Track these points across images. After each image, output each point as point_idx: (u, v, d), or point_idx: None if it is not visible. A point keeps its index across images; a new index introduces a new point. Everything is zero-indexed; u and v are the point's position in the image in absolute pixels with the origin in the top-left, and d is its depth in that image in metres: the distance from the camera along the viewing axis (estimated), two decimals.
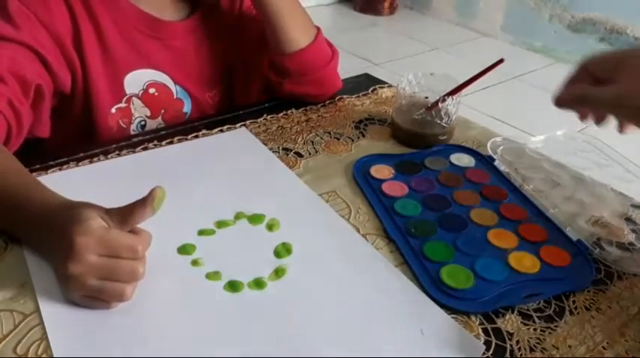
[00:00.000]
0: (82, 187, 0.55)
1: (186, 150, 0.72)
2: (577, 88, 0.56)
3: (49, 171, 0.65)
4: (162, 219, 0.48)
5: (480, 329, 0.49)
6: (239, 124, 0.78)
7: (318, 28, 0.83)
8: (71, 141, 0.74)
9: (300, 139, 0.76)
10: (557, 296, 0.53)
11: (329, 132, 0.78)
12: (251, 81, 0.88)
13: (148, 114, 0.80)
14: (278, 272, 0.53)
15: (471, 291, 0.52)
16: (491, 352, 0.47)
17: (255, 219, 0.60)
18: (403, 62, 2.83)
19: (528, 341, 0.48)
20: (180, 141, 0.74)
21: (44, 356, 0.44)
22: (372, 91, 0.91)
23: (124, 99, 0.77)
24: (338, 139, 0.77)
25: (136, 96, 0.78)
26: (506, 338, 0.48)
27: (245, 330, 0.47)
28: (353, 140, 0.77)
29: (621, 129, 0.55)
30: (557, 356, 0.47)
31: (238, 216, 0.60)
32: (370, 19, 3.48)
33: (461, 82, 0.73)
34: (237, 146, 0.74)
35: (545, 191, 0.67)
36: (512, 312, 0.51)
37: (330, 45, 0.85)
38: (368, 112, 0.84)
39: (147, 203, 0.47)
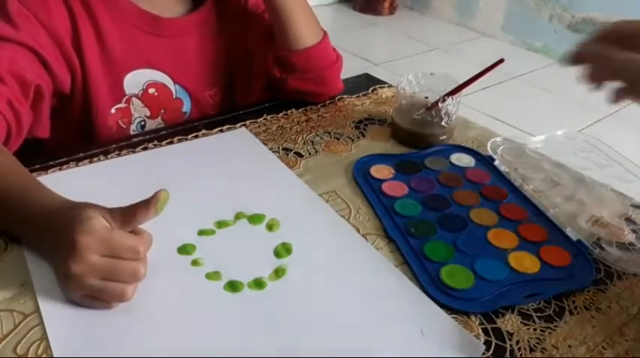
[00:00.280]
0: (82, 187, 0.55)
1: (186, 150, 0.72)
2: (602, 47, 0.52)
3: (49, 171, 0.65)
4: (163, 219, 0.48)
5: (480, 329, 0.49)
6: (239, 124, 0.78)
7: (325, 32, 0.84)
8: (71, 142, 0.74)
9: (300, 139, 0.76)
10: (557, 296, 0.53)
11: (329, 132, 0.78)
12: (253, 78, 0.88)
13: (148, 114, 0.80)
14: (278, 273, 0.53)
15: (471, 291, 0.52)
16: (491, 352, 0.47)
17: (255, 219, 0.60)
18: (403, 62, 2.83)
19: (528, 341, 0.48)
20: (180, 141, 0.74)
21: (44, 356, 0.44)
22: (372, 91, 0.91)
23: (124, 99, 0.77)
24: (338, 139, 0.77)
25: (136, 96, 0.78)
26: (506, 338, 0.48)
27: (245, 330, 0.47)
28: (353, 140, 0.77)
29: (616, 99, 0.51)
30: (557, 356, 0.47)
31: (238, 216, 0.60)
32: (370, 19, 3.48)
33: (461, 82, 0.73)
34: (237, 146, 0.74)
35: (545, 191, 0.66)
36: (512, 312, 0.51)
37: (335, 50, 0.86)
38: (368, 112, 0.84)
39: (151, 204, 0.47)
